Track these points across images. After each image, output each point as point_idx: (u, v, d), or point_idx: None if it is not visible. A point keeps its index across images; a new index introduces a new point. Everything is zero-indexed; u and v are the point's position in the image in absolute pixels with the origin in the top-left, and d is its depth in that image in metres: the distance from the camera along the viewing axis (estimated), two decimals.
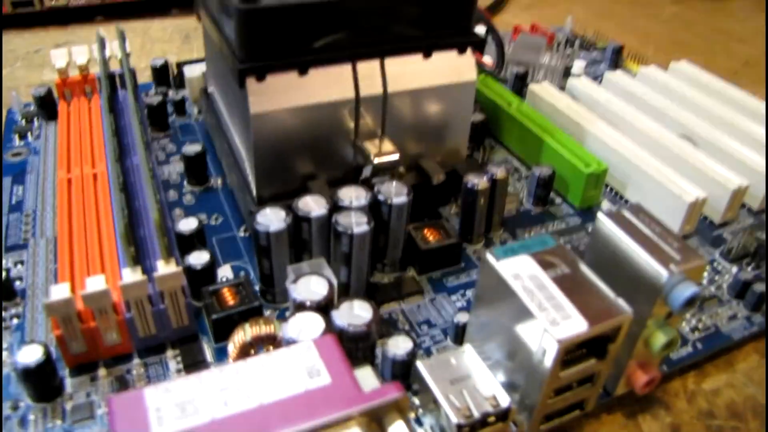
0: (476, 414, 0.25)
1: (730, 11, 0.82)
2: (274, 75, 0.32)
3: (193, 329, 0.31)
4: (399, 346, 0.27)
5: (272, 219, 0.31)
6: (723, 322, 0.33)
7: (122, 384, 0.29)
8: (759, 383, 0.31)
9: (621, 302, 0.25)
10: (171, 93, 0.51)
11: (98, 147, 0.41)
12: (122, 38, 0.45)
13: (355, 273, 0.31)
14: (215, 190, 0.41)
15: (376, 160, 0.34)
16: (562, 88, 0.51)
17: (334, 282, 0.28)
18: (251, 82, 0.32)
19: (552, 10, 0.77)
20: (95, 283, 0.27)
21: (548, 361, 0.24)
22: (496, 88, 0.48)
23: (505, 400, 0.25)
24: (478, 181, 0.35)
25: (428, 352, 0.30)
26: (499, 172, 0.36)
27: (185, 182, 0.42)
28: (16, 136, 0.46)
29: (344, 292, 0.32)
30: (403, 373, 0.28)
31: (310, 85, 0.33)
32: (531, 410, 0.26)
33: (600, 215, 0.28)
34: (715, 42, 0.72)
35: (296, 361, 0.23)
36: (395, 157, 0.35)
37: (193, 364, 0.30)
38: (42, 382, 0.27)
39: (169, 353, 0.30)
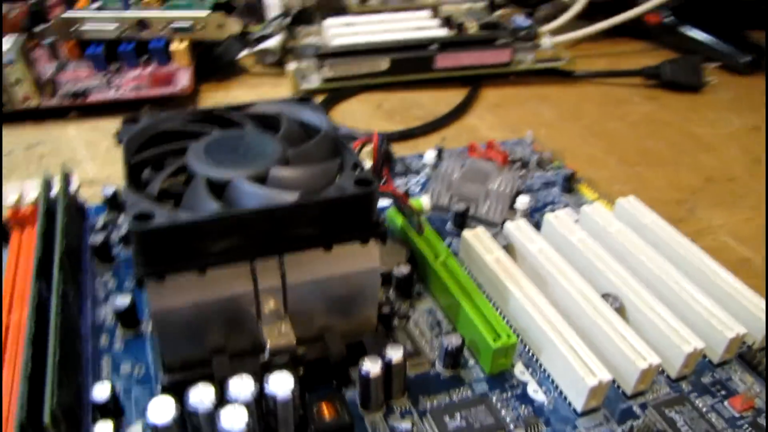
0: None
1: (703, 111, 0.81)
2: (174, 277, 0.34)
3: None
4: None
5: (160, 413, 0.32)
6: None
7: None
8: None
9: None
10: (121, 219, 0.53)
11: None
12: (66, 181, 0.48)
13: None
14: (143, 338, 0.43)
15: (271, 346, 0.36)
16: (504, 221, 0.52)
17: None
18: (152, 285, 0.34)
19: (519, 110, 0.78)
20: None
21: None
22: (429, 235, 0.49)
23: None
24: (370, 369, 0.37)
25: None
26: (396, 357, 0.37)
27: (118, 326, 0.44)
28: None
29: None
30: None
31: (209, 283, 0.35)
32: None
33: None
34: (681, 151, 0.72)
35: None
36: (290, 343, 0.36)
37: None
38: None
39: None
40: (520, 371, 0.43)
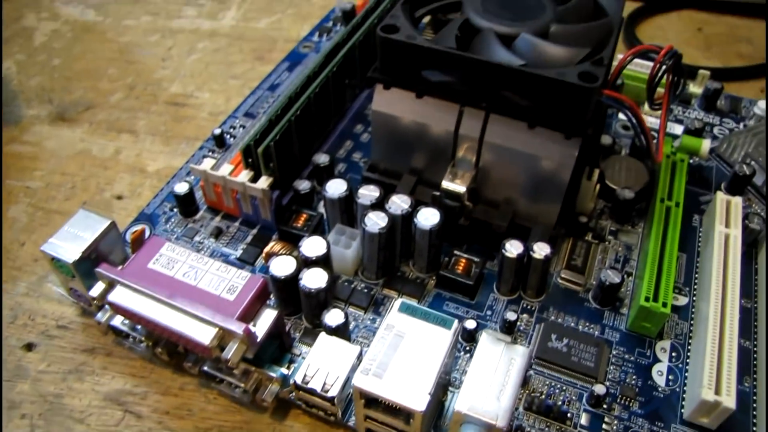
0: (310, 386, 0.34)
1: None
2: (397, 90, 0.40)
3: None
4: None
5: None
6: None
7: None
8: None
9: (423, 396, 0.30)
10: None
11: None
12: None
13: (371, 256, 0.40)
14: None
15: (443, 185, 0.40)
16: None
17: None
18: (379, 88, 0.41)
19: None
20: None
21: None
22: (679, 175, 0.44)
23: (334, 392, 0.34)
24: (510, 248, 0.39)
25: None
26: (540, 252, 0.38)
27: None
28: None
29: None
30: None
31: (421, 107, 0.40)
32: None
33: None
34: None
35: (231, 278, 0.35)
36: (458, 189, 0.40)
37: None
38: None
39: None
40: (662, 348, 0.39)
